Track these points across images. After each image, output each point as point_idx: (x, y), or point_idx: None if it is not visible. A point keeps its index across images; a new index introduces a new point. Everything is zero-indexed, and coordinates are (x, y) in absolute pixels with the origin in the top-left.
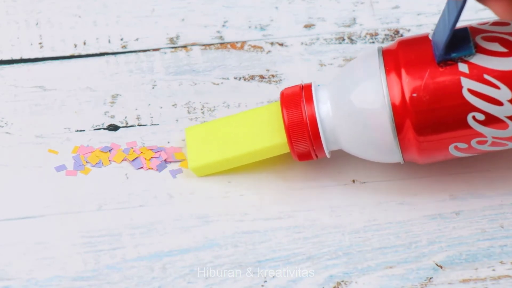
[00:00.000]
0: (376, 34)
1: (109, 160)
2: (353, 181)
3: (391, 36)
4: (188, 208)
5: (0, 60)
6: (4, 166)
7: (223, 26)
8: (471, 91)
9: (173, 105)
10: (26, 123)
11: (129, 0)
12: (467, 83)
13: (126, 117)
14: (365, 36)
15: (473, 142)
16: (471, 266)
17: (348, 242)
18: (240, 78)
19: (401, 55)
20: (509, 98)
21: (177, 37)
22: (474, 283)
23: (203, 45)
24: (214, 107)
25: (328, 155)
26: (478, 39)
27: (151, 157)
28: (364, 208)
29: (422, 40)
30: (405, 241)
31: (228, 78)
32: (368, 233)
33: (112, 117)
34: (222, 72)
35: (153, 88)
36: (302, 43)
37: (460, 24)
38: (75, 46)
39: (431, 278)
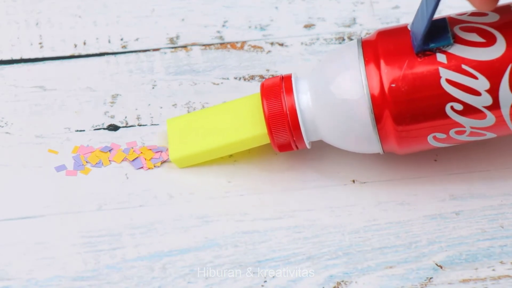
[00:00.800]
0: None
1: (109, 160)
2: (353, 181)
3: None
4: (188, 208)
5: (0, 60)
6: (4, 166)
7: (223, 26)
8: (449, 81)
9: (173, 105)
10: (26, 123)
11: (129, 0)
12: (445, 73)
13: (126, 117)
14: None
15: (452, 132)
16: (471, 266)
17: (348, 242)
18: (240, 78)
19: (380, 45)
20: (487, 88)
21: (177, 37)
22: (474, 283)
23: (203, 45)
24: None
25: (308, 146)
26: (457, 30)
27: (151, 157)
28: (364, 208)
29: (401, 31)
30: (405, 241)
31: (228, 78)
32: (368, 233)
33: (112, 117)
34: (222, 72)
35: (153, 88)
36: (302, 43)
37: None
38: (75, 46)
39: (431, 278)
